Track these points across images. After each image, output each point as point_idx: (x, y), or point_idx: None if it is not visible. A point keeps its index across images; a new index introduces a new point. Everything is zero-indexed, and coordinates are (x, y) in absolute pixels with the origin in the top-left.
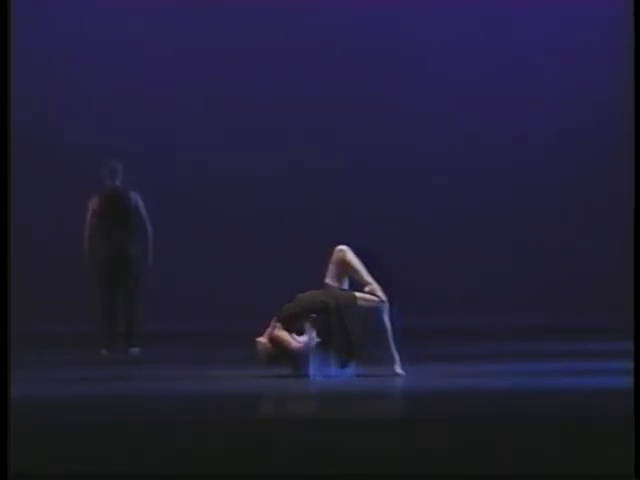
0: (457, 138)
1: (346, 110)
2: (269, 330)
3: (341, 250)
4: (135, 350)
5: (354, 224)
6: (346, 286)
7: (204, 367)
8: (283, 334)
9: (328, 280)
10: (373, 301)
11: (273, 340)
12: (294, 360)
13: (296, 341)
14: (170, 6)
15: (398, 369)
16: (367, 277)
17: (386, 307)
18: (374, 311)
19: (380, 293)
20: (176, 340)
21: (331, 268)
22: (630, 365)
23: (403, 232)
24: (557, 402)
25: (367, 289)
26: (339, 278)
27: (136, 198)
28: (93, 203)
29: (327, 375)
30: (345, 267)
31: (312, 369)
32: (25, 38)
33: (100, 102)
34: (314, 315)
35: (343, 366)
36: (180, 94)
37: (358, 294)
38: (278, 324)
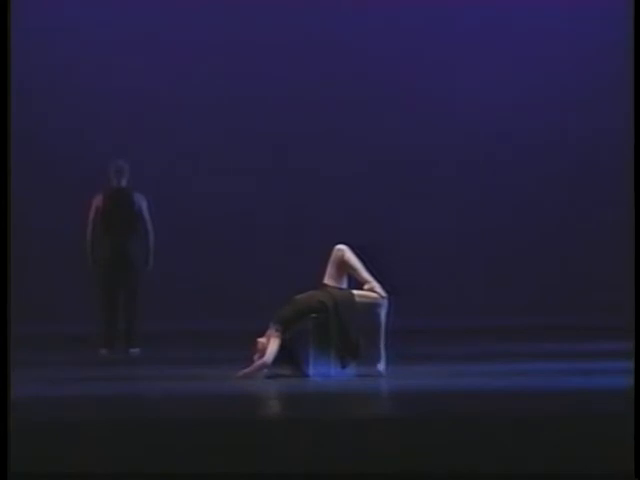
0: (457, 138)
1: (345, 110)
2: (269, 331)
3: (340, 249)
4: (135, 350)
5: (355, 224)
6: (345, 285)
7: (204, 367)
8: (271, 342)
9: (327, 280)
10: (372, 298)
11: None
12: (292, 361)
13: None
14: (170, 6)
15: (381, 368)
16: (366, 275)
17: (385, 304)
18: (373, 308)
19: (380, 290)
20: (176, 340)
21: (330, 268)
22: (630, 365)
23: (403, 232)
24: (557, 402)
25: (366, 287)
26: (338, 278)
27: (140, 200)
28: (97, 201)
29: (327, 375)
30: (344, 266)
31: (312, 369)
32: (25, 38)
33: (100, 102)
34: (314, 315)
35: (344, 366)
36: (181, 94)
37: (356, 292)
38: (276, 326)
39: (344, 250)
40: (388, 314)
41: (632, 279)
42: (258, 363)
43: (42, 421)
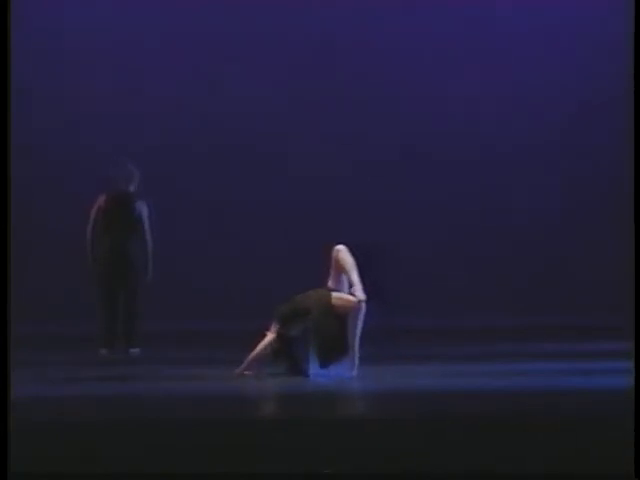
0: (456, 138)
1: (345, 110)
2: (272, 326)
3: (336, 249)
4: (135, 350)
5: (355, 224)
6: (344, 286)
7: (204, 367)
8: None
9: (329, 280)
10: (348, 301)
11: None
12: (291, 360)
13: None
14: (170, 6)
15: (352, 372)
16: (354, 277)
17: (362, 308)
18: (349, 312)
19: (360, 294)
20: (176, 340)
21: (331, 268)
22: (630, 365)
23: (401, 232)
24: (557, 402)
25: (351, 290)
26: (336, 277)
27: (141, 206)
28: (100, 201)
29: (326, 375)
30: (339, 266)
31: (311, 368)
32: (25, 38)
33: (100, 102)
34: (311, 316)
35: (322, 366)
36: (181, 94)
37: (335, 294)
38: (275, 321)
39: (339, 250)
40: (366, 319)
41: (632, 279)
42: (259, 347)
43: (42, 421)
